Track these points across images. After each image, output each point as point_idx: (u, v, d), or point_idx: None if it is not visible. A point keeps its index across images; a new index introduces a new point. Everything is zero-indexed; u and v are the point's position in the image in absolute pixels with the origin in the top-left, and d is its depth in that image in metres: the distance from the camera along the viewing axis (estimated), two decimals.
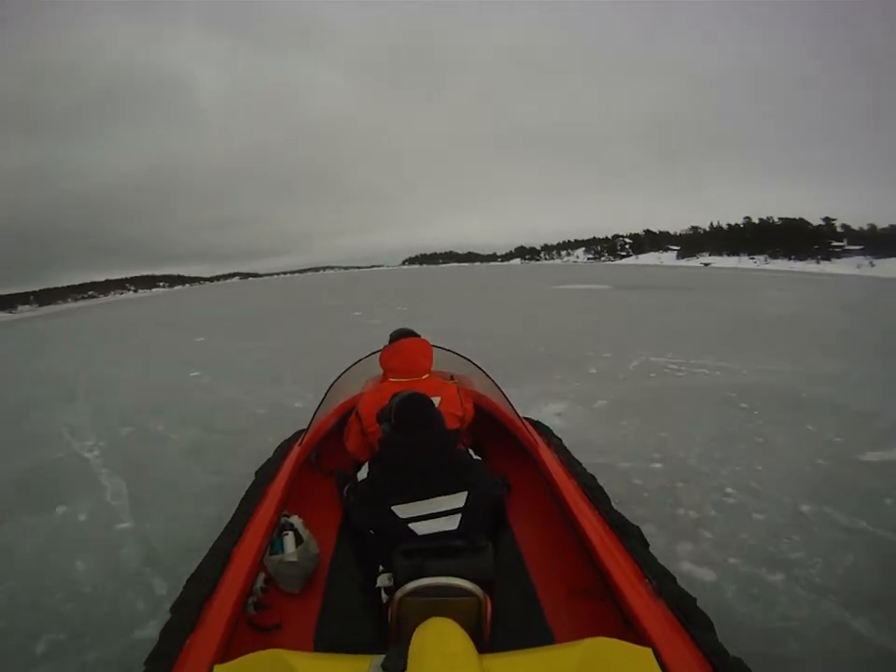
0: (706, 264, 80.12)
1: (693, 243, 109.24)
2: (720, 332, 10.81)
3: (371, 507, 1.81)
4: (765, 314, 13.99)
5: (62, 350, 15.20)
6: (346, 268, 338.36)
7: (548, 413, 5.49)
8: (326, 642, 1.99)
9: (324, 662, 1.39)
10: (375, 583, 1.76)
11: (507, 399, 2.98)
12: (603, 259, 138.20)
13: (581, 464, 2.72)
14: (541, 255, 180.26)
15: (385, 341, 2.90)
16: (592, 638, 1.32)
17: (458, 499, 1.74)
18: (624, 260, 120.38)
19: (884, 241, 75.22)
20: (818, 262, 74.95)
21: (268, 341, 12.46)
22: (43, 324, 32.39)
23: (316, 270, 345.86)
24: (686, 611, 1.59)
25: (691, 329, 11.39)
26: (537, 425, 3.36)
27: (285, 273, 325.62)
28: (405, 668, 1.17)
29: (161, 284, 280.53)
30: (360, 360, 3.33)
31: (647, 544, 2.04)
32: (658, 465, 4.22)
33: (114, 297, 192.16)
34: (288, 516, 2.42)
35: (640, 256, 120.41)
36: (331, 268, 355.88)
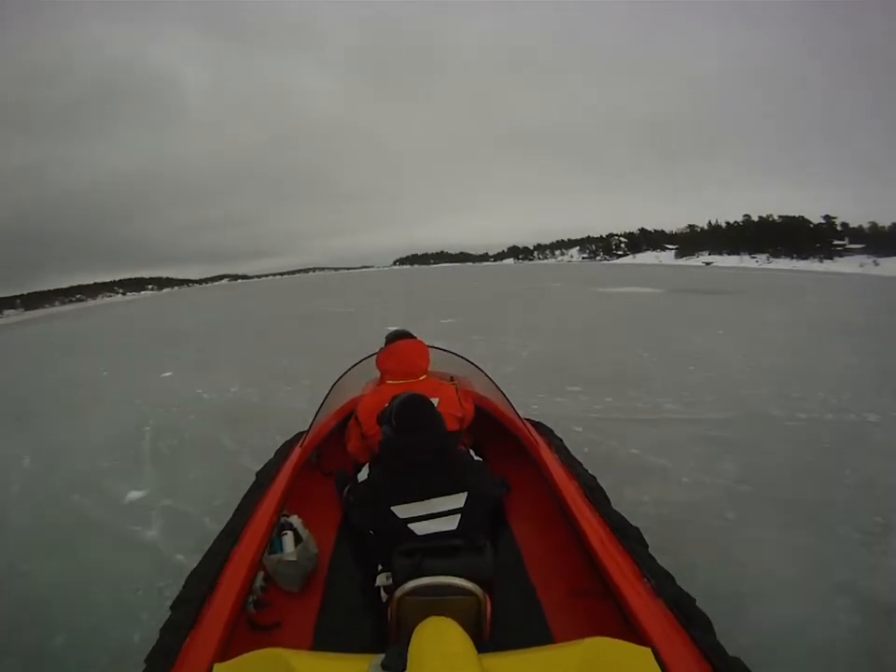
0: (707, 263, 78.29)
1: (690, 242, 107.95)
2: None
3: (371, 507, 1.78)
4: None
5: None
6: (336, 269, 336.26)
7: None
8: (325, 641, 2.00)
9: (323, 661, 1.37)
10: (374, 583, 1.74)
11: (507, 400, 2.98)
12: (598, 258, 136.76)
13: (581, 465, 2.71)
14: (534, 254, 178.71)
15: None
16: (591, 638, 1.32)
17: (458, 500, 1.72)
18: (621, 260, 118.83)
19: (886, 239, 74.16)
20: (821, 261, 73.35)
21: (258, 377, 8.41)
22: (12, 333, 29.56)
23: (306, 271, 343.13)
24: (685, 611, 1.58)
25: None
26: (538, 425, 3.29)
27: (274, 274, 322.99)
28: (405, 667, 1.17)
29: (150, 286, 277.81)
30: (359, 363, 3.28)
31: (646, 545, 2.01)
32: None
33: (101, 300, 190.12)
34: (288, 516, 2.40)
35: (637, 255, 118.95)
36: (321, 269, 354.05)
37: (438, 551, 1.62)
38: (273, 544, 2.25)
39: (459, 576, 1.52)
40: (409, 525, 1.69)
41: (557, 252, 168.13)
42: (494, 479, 1.98)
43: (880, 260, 66.10)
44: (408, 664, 1.17)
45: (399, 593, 1.53)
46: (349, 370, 3.27)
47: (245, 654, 1.33)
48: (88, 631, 2.65)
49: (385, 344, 2.74)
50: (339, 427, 2.98)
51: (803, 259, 76.38)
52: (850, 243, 78.98)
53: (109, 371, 10.47)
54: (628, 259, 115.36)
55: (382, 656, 1.21)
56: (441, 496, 1.72)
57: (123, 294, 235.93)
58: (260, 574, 2.14)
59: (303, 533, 2.36)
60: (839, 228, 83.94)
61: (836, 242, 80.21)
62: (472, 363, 3.36)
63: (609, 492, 2.48)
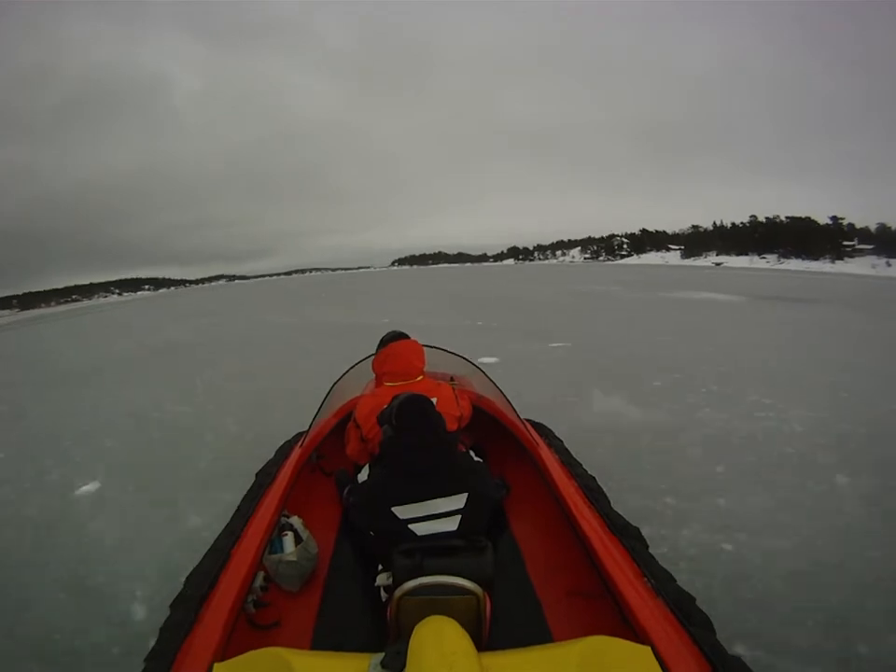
0: (717, 264, 77.04)
1: (696, 242, 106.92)
2: None
3: (371, 508, 1.78)
4: None
5: None
6: (334, 269, 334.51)
7: None
8: (325, 641, 1.99)
9: (323, 660, 1.38)
10: (375, 583, 1.73)
11: (507, 400, 2.96)
12: (601, 258, 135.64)
13: (581, 465, 2.70)
14: (535, 255, 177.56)
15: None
16: (590, 637, 1.32)
17: (458, 501, 1.72)
18: (625, 260, 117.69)
19: None
20: (832, 262, 72.39)
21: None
22: None
23: (303, 272, 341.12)
24: (685, 610, 1.57)
25: None
26: (538, 426, 3.26)
27: (271, 275, 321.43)
28: (404, 666, 1.17)
29: (147, 287, 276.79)
30: (355, 365, 3.25)
31: (646, 545, 2.01)
32: None
33: (97, 300, 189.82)
34: (288, 516, 2.39)
35: (642, 255, 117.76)
36: (318, 269, 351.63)
37: (438, 550, 1.62)
38: (273, 544, 2.23)
39: (460, 576, 1.52)
40: (409, 526, 1.69)
41: (558, 253, 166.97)
42: (495, 480, 1.97)
43: (893, 261, 65.19)
44: (407, 662, 1.18)
45: (398, 592, 1.52)
46: (346, 372, 3.24)
47: (245, 654, 1.34)
48: None
49: (380, 347, 2.67)
50: (339, 427, 2.99)
51: (813, 260, 75.26)
52: (859, 243, 78.28)
53: None
54: (633, 260, 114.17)
55: (381, 655, 1.22)
56: (442, 496, 1.71)
57: (119, 294, 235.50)
58: (261, 574, 2.10)
59: (304, 533, 2.34)
60: (846, 229, 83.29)
61: (846, 243, 79.36)
62: (470, 362, 3.36)
63: None
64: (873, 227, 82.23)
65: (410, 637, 1.27)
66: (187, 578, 1.92)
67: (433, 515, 1.70)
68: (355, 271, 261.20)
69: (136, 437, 5.38)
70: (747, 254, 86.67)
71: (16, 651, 2.47)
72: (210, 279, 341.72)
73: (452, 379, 3.26)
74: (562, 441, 3.06)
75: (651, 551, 1.98)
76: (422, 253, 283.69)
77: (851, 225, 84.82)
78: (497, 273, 57.98)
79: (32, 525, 3.63)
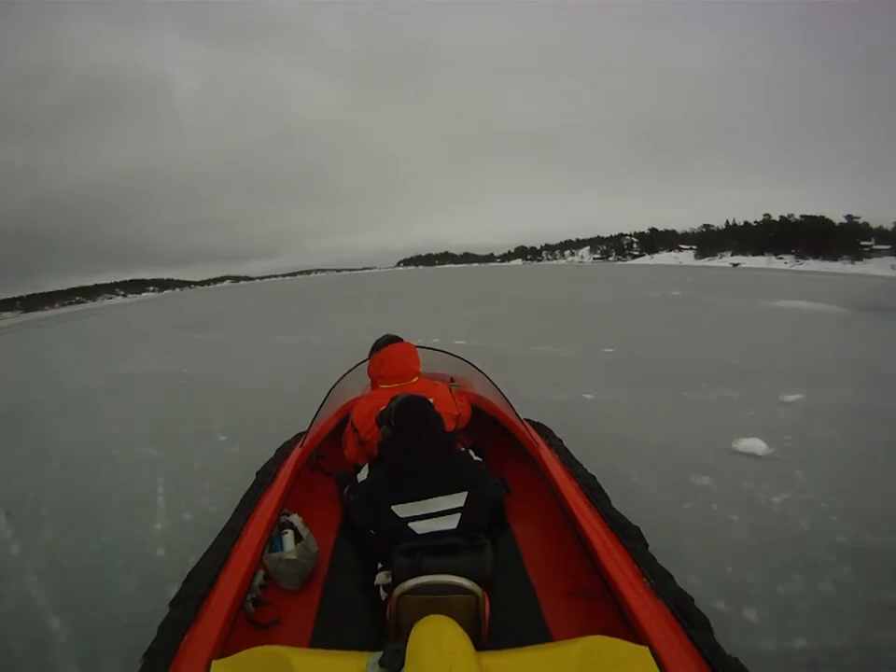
0: (734, 265, 76.19)
1: (708, 242, 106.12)
2: None
3: (371, 507, 1.79)
4: None
5: None
6: (339, 270, 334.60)
7: None
8: (323, 639, 2.00)
9: (322, 658, 1.38)
10: (374, 581, 1.74)
11: (506, 400, 2.96)
12: (610, 258, 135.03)
13: (581, 465, 2.69)
14: (543, 255, 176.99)
15: None
16: (589, 636, 1.33)
17: (458, 499, 1.73)
18: (637, 260, 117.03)
19: None
20: (852, 263, 71.51)
21: None
22: None
23: (308, 272, 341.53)
24: (684, 611, 1.57)
25: None
26: (538, 426, 3.26)
27: (276, 276, 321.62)
28: (402, 664, 1.18)
29: (151, 288, 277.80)
30: (352, 369, 3.22)
31: (647, 544, 2.02)
32: None
33: (102, 302, 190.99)
34: (288, 515, 2.39)
35: (655, 255, 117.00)
36: (322, 270, 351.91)
37: (438, 549, 1.62)
38: (273, 543, 2.23)
39: (459, 574, 1.52)
40: (409, 525, 1.69)
41: (567, 252, 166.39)
42: (494, 480, 1.98)
43: None
44: (406, 661, 1.18)
45: (398, 591, 1.52)
46: (344, 376, 3.22)
47: (244, 651, 1.35)
48: None
49: (374, 351, 2.63)
50: (339, 427, 2.97)
51: (831, 260, 74.39)
52: (875, 244, 77.46)
53: None
54: (645, 260, 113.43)
55: (380, 653, 1.22)
56: (441, 495, 1.72)
57: (124, 296, 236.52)
58: (260, 572, 2.11)
59: (303, 532, 2.34)
60: (861, 228, 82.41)
61: (863, 243, 78.51)
62: (468, 362, 3.32)
63: None
64: (889, 226, 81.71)
65: (409, 636, 1.27)
66: (186, 576, 1.93)
67: (433, 513, 1.70)
68: (360, 271, 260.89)
69: None
70: (763, 254, 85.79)
71: None
72: (215, 280, 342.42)
73: (451, 380, 3.26)
74: (562, 441, 3.07)
75: None
76: (428, 253, 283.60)
77: (866, 224, 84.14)
78: (518, 273, 54.42)
79: None
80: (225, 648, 1.56)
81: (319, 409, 2.99)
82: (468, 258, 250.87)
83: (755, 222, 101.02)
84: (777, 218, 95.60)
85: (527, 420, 3.11)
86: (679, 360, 7.73)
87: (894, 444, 4.22)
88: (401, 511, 1.71)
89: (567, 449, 2.93)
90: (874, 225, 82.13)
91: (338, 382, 3.19)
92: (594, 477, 2.56)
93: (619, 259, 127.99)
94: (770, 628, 2.31)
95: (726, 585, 2.55)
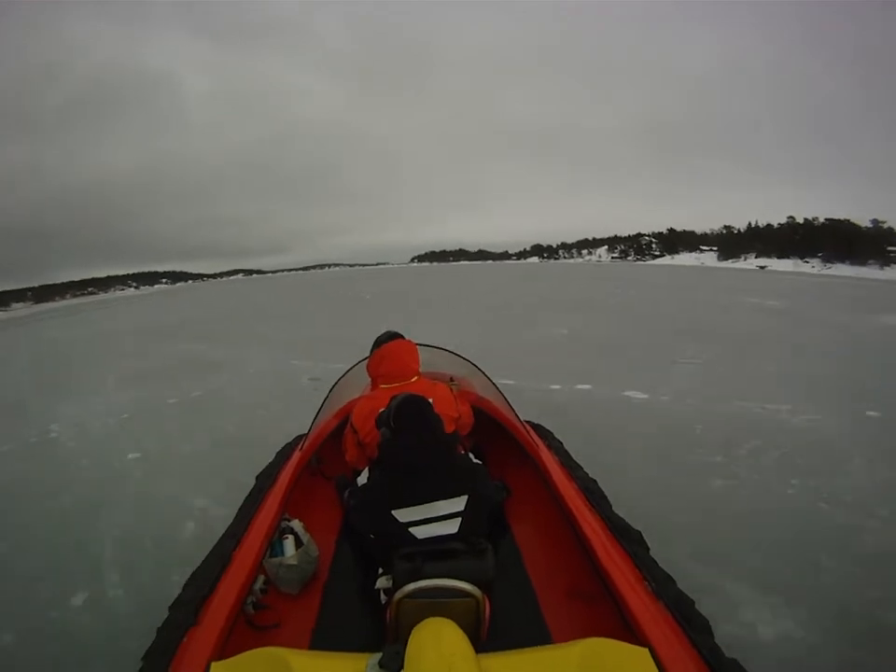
0: (761, 267, 75.44)
1: (730, 243, 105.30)
2: None
3: (371, 511, 1.79)
4: None
5: None
6: (352, 265, 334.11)
7: None
8: (323, 642, 1.98)
9: (321, 660, 1.38)
10: (374, 586, 1.74)
11: (506, 401, 2.94)
12: (629, 258, 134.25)
13: (581, 467, 2.69)
14: (559, 253, 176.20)
15: None
16: (589, 638, 1.32)
17: (458, 503, 1.73)
18: (658, 261, 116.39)
19: None
20: (881, 268, 70.66)
21: None
22: None
23: (321, 267, 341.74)
24: (684, 613, 1.57)
25: None
26: (538, 427, 3.26)
27: (289, 270, 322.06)
28: (402, 666, 1.18)
29: (164, 280, 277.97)
30: (351, 368, 3.20)
31: (647, 548, 2.01)
32: None
33: (114, 293, 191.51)
34: (289, 520, 2.41)
35: (676, 256, 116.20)
36: (336, 265, 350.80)
37: (439, 554, 1.62)
38: (273, 547, 2.24)
39: (460, 579, 1.52)
40: (409, 530, 1.69)
41: (584, 251, 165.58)
42: (494, 482, 1.97)
43: None
44: (405, 663, 1.18)
45: (398, 595, 1.52)
46: (343, 375, 3.21)
47: (243, 653, 1.34)
48: None
49: (373, 349, 2.64)
50: (338, 430, 2.93)
51: (859, 265, 73.48)
52: None
53: None
54: (666, 261, 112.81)
55: (379, 655, 1.22)
56: (442, 499, 1.71)
57: (136, 288, 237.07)
58: (261, 577, 2.13)
59: (304, 537, 2.35)
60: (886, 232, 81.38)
61: (889, 248, 77.59)
62: (469, 361, 3.30)
63: None
64: None
65: (408, 639, 1.27)
66: (187, 580, 1.93)
67: (433, 518, 1.70)
68: (373, 267, 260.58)
69: None
70: (788, 257, 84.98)
71: None
72: (227, 273, 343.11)
73: (451, 379, 3.22)
74: (562, 443, 3.05)
75: None
76: (442, 250, 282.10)
77: (890, 229, 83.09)
78: (547, 272, 50.65)
79: None
80: (224, 650, 1.56)
81: (319, 410, 2.96)
82: (482, 255, 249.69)
83: (778, 224, 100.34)
84: (802, 221, 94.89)
85: (527, 422, 3.11)
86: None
87: None
88: (402, 515, 1.71)
89: (567, 451, 2.93)
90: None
91: (338, 380, 3.17)
92: (594, 480, 2.56)
93: (638, 259, 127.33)
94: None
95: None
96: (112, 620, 2.71)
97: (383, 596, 1.70)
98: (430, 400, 1.98)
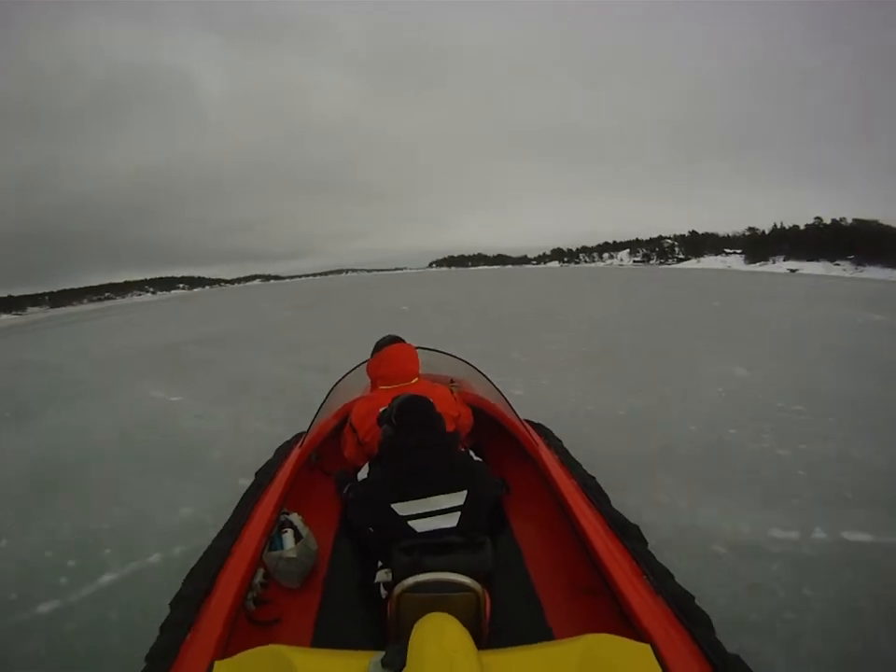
0: (792, 270, 75.30)
1: (756, 245, 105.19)
2: None
3: (371, 504, 1.81)
4: None
5: None
6: (370, 271, 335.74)
7: None
8: (325, 638, 2.00)
9: (323, 658, 1.37)
10: (374, 579, 1.74)
11: (506, 400, 2.96)
12: (652, 262, 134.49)
13: (581, 465, 2.72)
14: (580, 257, 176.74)
15: None
16: (590, 634, 1.33)
17: (458, 498, 1.75)
18: (683, 264, 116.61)
19: None
20: None
21: None
22: None
23: (339, 272, 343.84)
24: (684, 608, 1.59)
25: None
26: (537, 426, 3.30)
27: (307, 275, 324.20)
28: (404, 664, 1.18)
29: (181, 285, 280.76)
30: (352, 370, 3.30)
31: (646, 543, 2.05)
32: None
33: (130, 299, 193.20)
34: (288, 513, 2.40)
35: (701, 259, 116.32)
36: (354, 270, 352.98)
37: (437, 547, 1.64)
38: (273, 541, 2.26)
39: (459, 572, 1.54)
40: (409, 523, 1.72)
41: (605, 255, 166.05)
42: (494, 479, 2.04)
43: None
44: (407, 660, 1.18)
45: (398, 589, 1.55)
46: (345, 376, 3.30)
47: (246, 651, 1.34)
48: None
49: (374, 352, 2.72)
50: (338, 428, 2.98)
51: (892, 267, 73.05)
52: None
53: None
54: (692, 264, 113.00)
55: (382, 653, 1.22)
56: (441, 493, 1.75)
57: (153, 293, 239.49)
58: (260, 571, 2.15)
59: (303, 530, 2.36)
60: None
61: None
62: (468, 363, 3.37)
63: None
64: None
65: (410, 635, 1.27)
66: (186, 576, 1.94)
67: (432, 512, 1.73)
68: (391, 272, 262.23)
69: None
70: (818, 259, 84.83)
71: None
72: (246, 279, 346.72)
73: (451, 381, 3.29)
74: (561, 442, 3.09)
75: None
76: (461, 254, 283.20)
77: None
78: (585, 277, 41.56)
79: None
80: (227, 648, 1.56)
81: (319, 409, 3.00)
82: (501, 259, 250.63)
83: (805, 226, 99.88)
84: (829, 222, 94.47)
85: (527, 420, 3.14)
86: None
87: None
88: (401, 509, 1.73)
89: (566, 449, 2.97)
90: None
91: (339, 381, 3.24)
92: (593, 477, 2.61)
93: (661, 263, 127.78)
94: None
95: None
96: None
97: (382, 590, 1.71)
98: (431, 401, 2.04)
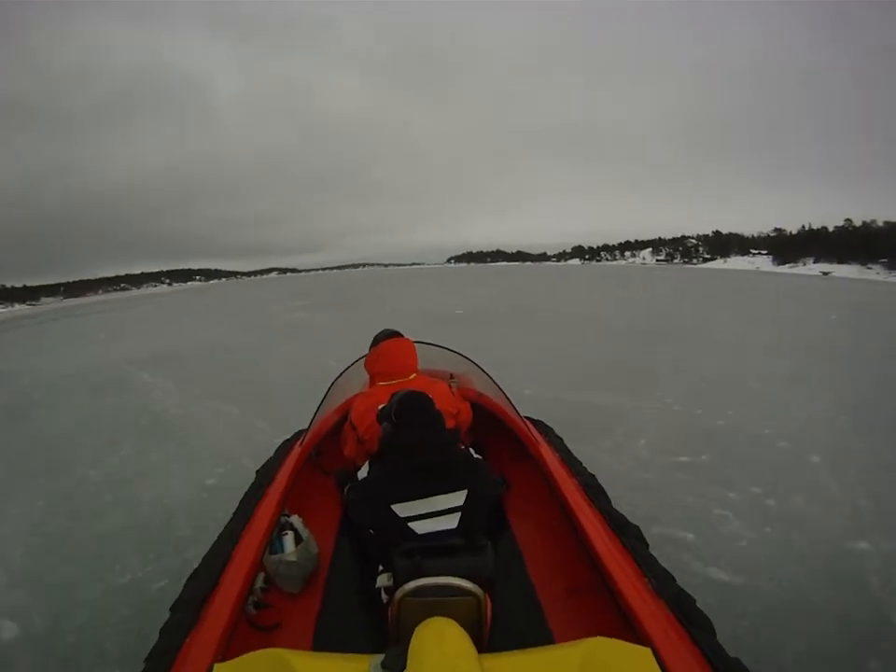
0: (825, 273, 74.51)
1: (783, 247, 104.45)
2: None
3: (370, 505, 1.78)
4: None
5: None
6: (386, 265, 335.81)
7: None
8: (325, 642, 1.98)
9: (323, 661, 1.38)
10: (375, 583, 1.73)
11: (506, 397, 2.94)
12: (676, 261, 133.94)
13: (581, 463, 2.69)
14: (602, 255, 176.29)
15: None
16: (591, 638, 1.31)
17: (458, 498, 1.73)
18: (709, 264, 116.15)
19: None
20: None
21: None
22: None
23: (356, 266, 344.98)
24: (686, 611, 1.57)
25: None
26: (538, 423, 3.25)
27: (323, 269, 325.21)
28: (404, 668, 1.17)
29: (198, 277, 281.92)
30: (350, 366, 3.24)
31: (647, 544, 2.02)
32: None
33: (146, 290, 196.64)
34: (288, 516, 2.39)
35: (728, 260, 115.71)
36: (370, 265, 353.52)
37: (438, 551, 1.63)
38: (273, 544, 2.25)
39: (460, 576, 1.53)
40: (409, 524, 1.71)
41: (627, 254, 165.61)
42: (494, 477, 2.03)
43: None
44: (408, 664, 1.18)
45: (399, 594, 1.54)
46: (344, 371, 3.28)
47: (246, 654, 1.33)
48: None
49: (372, 346, 2.71)
50: (339, 425, 2.90)
51: None
52: None
53: None
54: (718, 265, 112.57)
55: (381, 656, 1.22)
56: (441, 493, 1.74)
57: (169, 284, 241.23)
58: (261, 575, 2.14)
59: (304, 533, 2.35)
60: None
61: None
62: (468, 358, 3.32)
63: None
64: None
65: (410, 639, 1.27)
66: (187, 579, 1.93)
67: (432, 513, 1.71)
68: (408, 267, 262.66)
69: None
70: (847, 262, 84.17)
71: None
72: (262, 272, 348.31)
73: (451, 377, 3.25)
74: (562, 439, 3.05)
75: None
76: (479, 251, 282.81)
77: None
78: (621, 276, 42.06)
79: None
80: (227, 651, 1.55)
81: (319, 406, 2.97)
82: (520, 256, 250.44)
83: (834, 227, 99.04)
84: (860, 224, 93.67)
85: (527, 417, 3.10)
86: None
87: None
88: (401, 510, 1.71)
89: (566, 447, 2.94)
90: None
91: (338, 377, 3.20)
92: (594, 475, 2.58)
93: (686, 263, 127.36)
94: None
95: None
96: None
97: (383, 594, 1.69)
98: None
